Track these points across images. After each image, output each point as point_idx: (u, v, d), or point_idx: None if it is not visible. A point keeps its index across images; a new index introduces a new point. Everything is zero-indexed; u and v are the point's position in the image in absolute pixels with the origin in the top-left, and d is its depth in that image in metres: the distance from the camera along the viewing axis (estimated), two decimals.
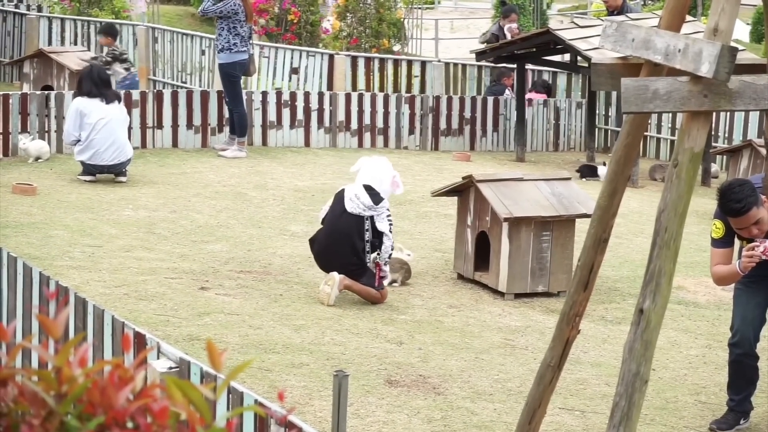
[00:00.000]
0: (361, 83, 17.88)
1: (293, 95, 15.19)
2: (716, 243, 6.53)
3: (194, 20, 24.48)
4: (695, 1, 23.89)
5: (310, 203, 11.48)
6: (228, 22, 13.67)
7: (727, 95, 4.36)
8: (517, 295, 8.89)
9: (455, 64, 18.51)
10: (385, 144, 15.57)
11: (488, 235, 8.98)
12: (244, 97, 14.29)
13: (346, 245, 8.38)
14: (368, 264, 8.44)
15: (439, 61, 18.87)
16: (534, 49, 15.48)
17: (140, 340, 5.13)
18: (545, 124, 16.76)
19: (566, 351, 4.97)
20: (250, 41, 14.08)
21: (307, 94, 15.28)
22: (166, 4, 25.71)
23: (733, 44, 4.32)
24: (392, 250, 8.59)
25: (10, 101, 12.98)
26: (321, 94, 15.39)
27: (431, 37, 27.66)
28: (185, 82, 18.09)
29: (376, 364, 7.12)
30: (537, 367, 5.18)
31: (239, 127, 13.99)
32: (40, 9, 21.56)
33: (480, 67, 18.05)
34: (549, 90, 17.58)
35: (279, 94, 15.12)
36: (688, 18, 11.96)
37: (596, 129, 16.40)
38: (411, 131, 15.74)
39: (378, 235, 8.43)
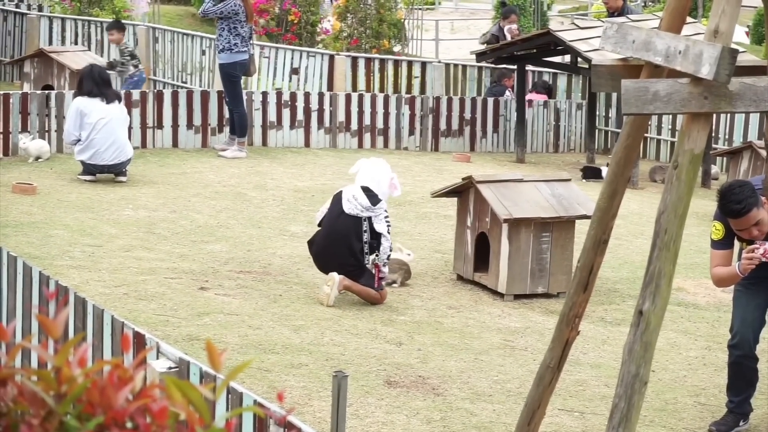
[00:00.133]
0: (362, 84, 17.88)
1: (293, 95, 15.19)
2: (716, 245, 6.53)
3: (195, 20, 24.47)
4: (696, 3, 23.89)
5: (309, 204, 11.48)
6: (228, 22, 13.67)
7: (727, 97, 4.36)
8: (517, 296, 8.89)
9: (455, 65, 18.51)
10: (385, 145, 15.57)
11: (488, 236, 8.98)
12: (245, 98, 14.30)
13: (343, 246, 8.39)
14: (367, 265, 8.44)
15: (439, 61, 18.87)
16: (534, 50, 15.49)
17: (140, 340, 5.13)
18: (545, 126, 16.76)
19: (566, 352, 4.97)
20: (251, 41, 14.09)
21: (307, 95, 15.28)
22: (166, 4, 25.71)
23: (733, 46, 4.32)
24: (391, 251, 8.60)
25: (11, 101, 12.99)
26: (321, 95, 15.39)
27: (431, 38, 27.65)
28: (185, 82, 18.09)
29: (376, 364, 7.13)
30: (536, 368, 5.18)
31: (239, 127, 14.00)
32: (40, 8, 21.56)
33: (480, 68, 18.05)
34: (550, 91, 17.57)
35: (279, 94, 15.12)
36: (689, 19, 11.96)
37: (596, 130, 16.40)
38: (411, 132, 15.74)
39: (376, 236, 8.44)
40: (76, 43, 18.94)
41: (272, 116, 14.92)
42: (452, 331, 7.99)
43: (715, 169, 15.05)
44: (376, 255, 8.43)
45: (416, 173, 13.80)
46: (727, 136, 15.85)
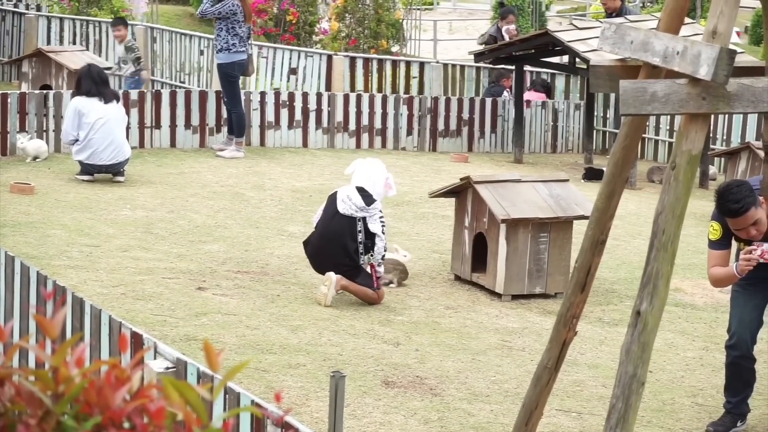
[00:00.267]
0: (360, 84, 17.89)
1: (291, 96, 15.19)
2: (713, 245, 6.52)
3: (193, 20, 24.47)
4: (694, 3, 23.91)
5: (307, 204, 11.48)
6: (227, 22, 13.67)
7: (725, 98, 4.36)
8: (515, 297, 8.89)
9: (453, 65, 18.52)
10: (383, 145, 15.57)
11: (486, 237, 8.98)
12: (243, 98, 14.30)
13: (338, 246, 8.39)
14: (362, 265, 8.44)
15: (437, 62, 18.88)
16: (532, 51, 15.49)
17: (137, 340, 5.13)
18: (543, 126, 16.76)
19: (563, 352, 4.97)
20: (249, 41, 14.09)
21: (305, 95, 15.28)
22: (164, 4, 25.72)
23: (731, 47, 4.32)
24: (385, 251, 8.60)
25: (9, 100, 12.98)
26: (319, 95, 15.39)
27: (430, 38, 27.66)
28: (184, 82, 18.09)
29: (373, 365, 7.12)
30: (534, 369, 5.18)
31: (237, 127, 14.00)
32: (39, 8, 21.56)
33: (478, 69, 18.06)
34: (548, 89, 17.57)
35: (277, 94, 15.12)
36: (687, 20, 11.97)
37: (594, 131, 16.41)
38: (409, 132, 15.74)
39: (371, 237, 8.44)
40: (74, 42, 18.94)
41: (270, 116, 14.92)
42: (450, 331, 7.99)
43: (713, 169, 15.05)
44: (371, 255, 8.43)
45: (414, 173, 13.80)
46: (725, 137, 15.85)
